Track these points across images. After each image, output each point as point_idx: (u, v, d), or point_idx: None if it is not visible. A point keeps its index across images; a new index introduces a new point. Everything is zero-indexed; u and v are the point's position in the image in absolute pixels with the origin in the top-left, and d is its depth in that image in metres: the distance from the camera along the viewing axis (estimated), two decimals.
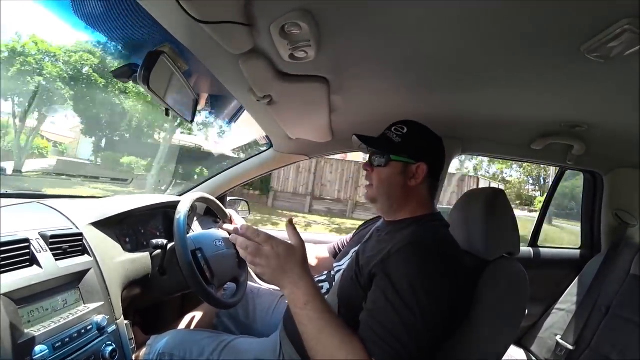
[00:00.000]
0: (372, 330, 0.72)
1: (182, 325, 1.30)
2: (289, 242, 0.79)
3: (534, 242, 1.97)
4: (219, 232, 1.29)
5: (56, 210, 0.96)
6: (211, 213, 1.63)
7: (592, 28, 0.61)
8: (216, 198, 1.39)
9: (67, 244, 0.84)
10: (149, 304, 1.28)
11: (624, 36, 0.60)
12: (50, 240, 0.81)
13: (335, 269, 1.07)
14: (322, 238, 1.89)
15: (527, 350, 1.69)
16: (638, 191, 1.70)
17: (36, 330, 0.69)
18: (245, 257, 0.76)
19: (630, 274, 1.49)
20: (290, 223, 0.82)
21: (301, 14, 0.61)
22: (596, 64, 0.72)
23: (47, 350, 0.68)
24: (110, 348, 0.82)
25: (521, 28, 0.65)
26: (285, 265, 0.75)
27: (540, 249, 1.89)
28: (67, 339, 0.73)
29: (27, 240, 0.75)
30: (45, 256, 0.78)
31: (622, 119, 1.11)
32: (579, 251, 1.91)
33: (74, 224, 0.93)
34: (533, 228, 2.01)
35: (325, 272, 1.11)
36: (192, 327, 1.30)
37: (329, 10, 0.62)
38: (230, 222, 1.39)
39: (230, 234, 1.30)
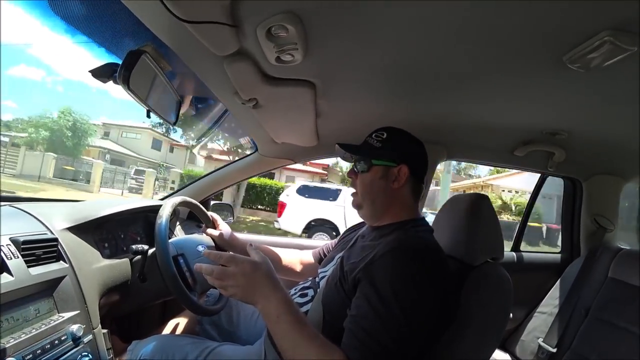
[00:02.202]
0: (356, 337, 0.71)
1: (164, 332, 1.26)
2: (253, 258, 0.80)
3: (516, 246, 2.00)
4: (202, 237, 1.26)
5: (30, 214, 0.92)
6: (194, 217, 1.59)
7: (574, 39, 0.63)
8: (200, 202, 1.36)
9: (40, 250, 0.80)
10: (129, 312, 1.24)
11: (604, 47, 0.61)
12: (23, 246, 0.77)
13: (320, 275, 1.06)
14: (308, 243, 1.88)
15: (511, 353, 1.71)
16: (615, 197, 1.75)
17: (5, 342, 0.65)
18: (213, 283, 0.76)
19: (608, 277, 1.52)
20: (250, 246, 0.85)
21: (288, 16, 0.60)
22: (577, 74, 0.74)
23: None
24: (86, 359, 0.78)
25: (505, 37, 0.66)
26: (253, 279, 0.74)
27: (523, 254, 1.93)
28: (39, 351, 0.70)
29: None
30: (16, 263, 0.73)
31: (601, 128, 1.14)
32: (559, 255, 1.95)
33: (48, 228, 0.89)
34: (515, 233, 2.05)
35: (310, 279, 1.09)
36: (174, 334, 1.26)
37: (317, 14, 0.62)
38: (214, 226, 1.36)
39: (213, 239, 1.29)
